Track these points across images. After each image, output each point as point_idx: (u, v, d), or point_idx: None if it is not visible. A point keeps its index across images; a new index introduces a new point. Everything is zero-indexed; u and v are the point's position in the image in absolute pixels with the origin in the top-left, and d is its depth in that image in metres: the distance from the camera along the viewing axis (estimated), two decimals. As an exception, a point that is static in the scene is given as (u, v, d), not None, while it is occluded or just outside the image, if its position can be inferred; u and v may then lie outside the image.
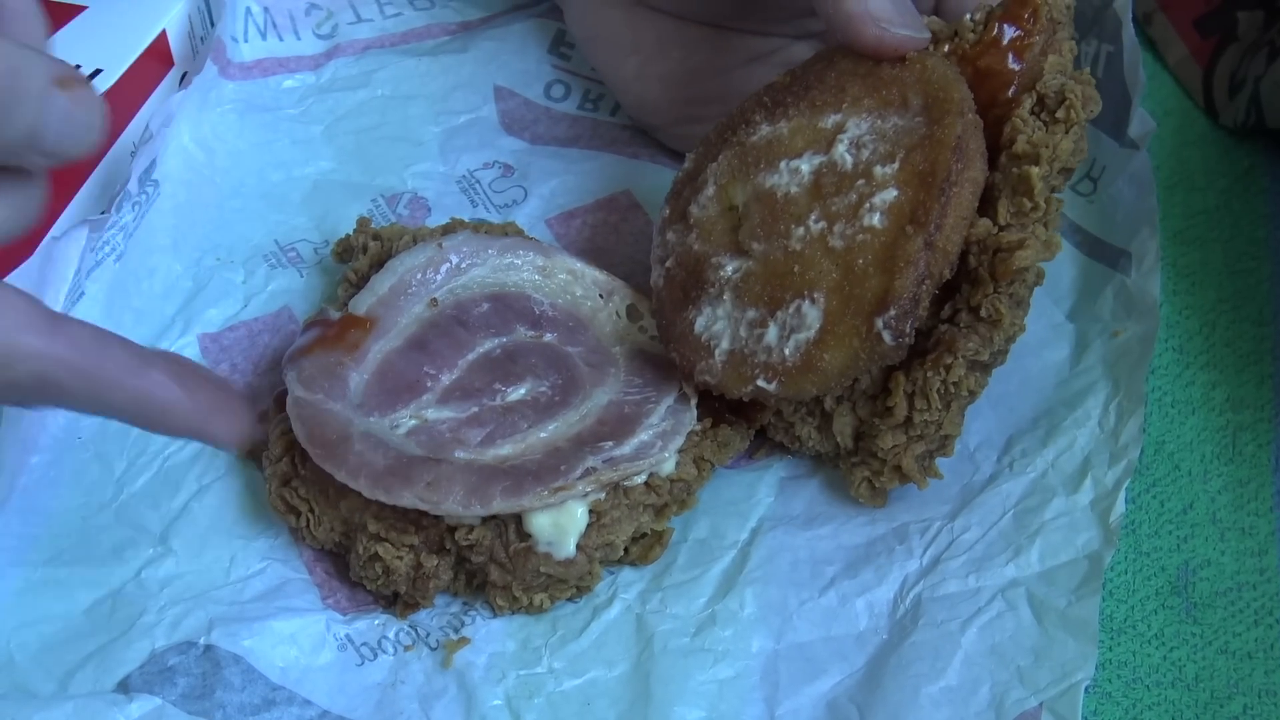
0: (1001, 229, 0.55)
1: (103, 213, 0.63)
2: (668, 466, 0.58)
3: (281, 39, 0.75)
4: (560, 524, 0.55)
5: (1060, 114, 0.55)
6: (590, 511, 0.56)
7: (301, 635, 0.56)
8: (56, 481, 0.60)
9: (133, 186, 0.64)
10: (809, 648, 0.56)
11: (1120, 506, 0.57)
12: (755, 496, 0.61)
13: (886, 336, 0.53)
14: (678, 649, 0.56)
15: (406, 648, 0.57)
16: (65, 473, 0.60)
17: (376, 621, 0.57)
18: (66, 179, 0.66)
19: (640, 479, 0.57)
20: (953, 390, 0.55)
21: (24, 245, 0.63)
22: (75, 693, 0.54)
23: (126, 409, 0.48)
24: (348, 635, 0.57)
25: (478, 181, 0.72)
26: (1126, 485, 0.58)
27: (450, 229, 0.65)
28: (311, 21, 0.76)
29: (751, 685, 0.55)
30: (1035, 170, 0.54)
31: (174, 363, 0.49)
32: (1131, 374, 0.61)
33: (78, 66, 0.67)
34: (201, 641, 0.55)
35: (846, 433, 0.59)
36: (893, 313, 0.53)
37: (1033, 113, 0.55)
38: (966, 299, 0.55)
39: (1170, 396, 0.64)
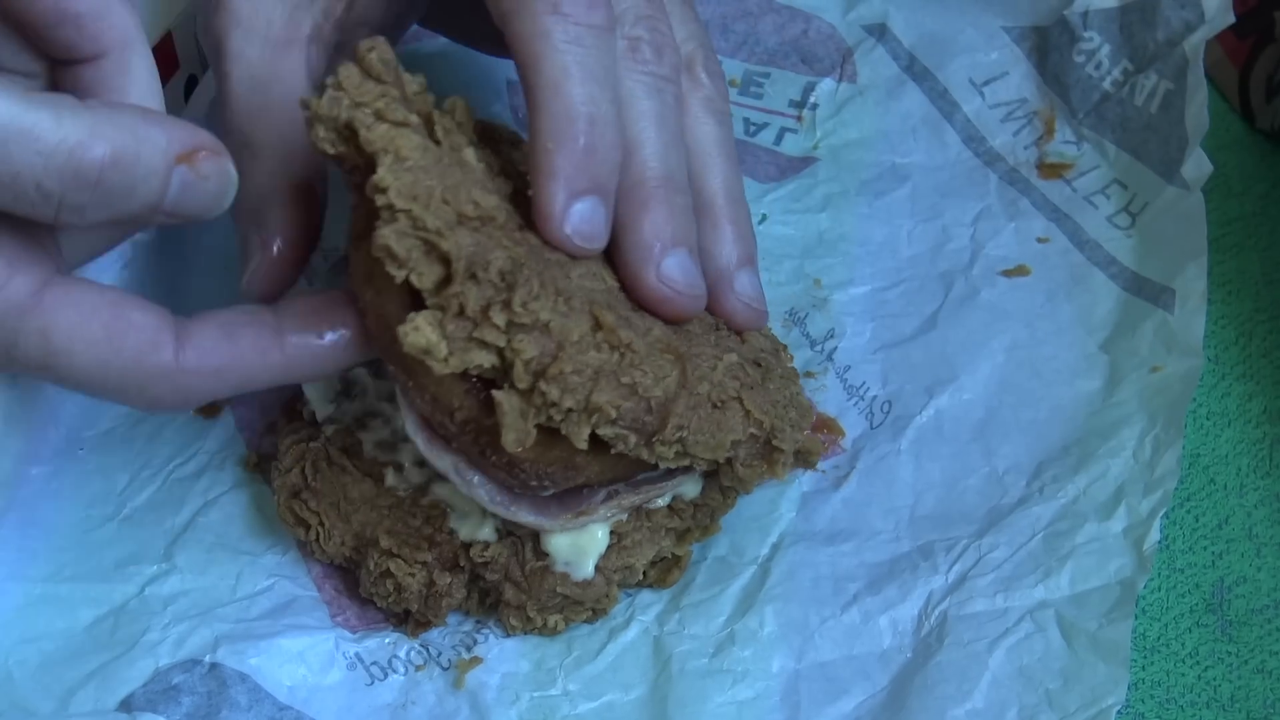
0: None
1: (107, 217, 0.62)
2: (692, 490, 0.56)
3: (291, 38, 0.74)
4: (580, 544, 0.54)
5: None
6: (611, 533, 0.55)
7: (310, 654, 0.55)
8: (58, 494, 0.59)
9: (138, 190, 0.63)
10: (831, 667, 0.55)
11: (1155, 535, 0.56)
12: (776, 512, 0.60)
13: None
14: (696, 670, 0.55)
15: (418, 667, 0.56)
16: (66, 485, 0.60)
17: (387, 640, 0.56)
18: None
19: (663, 501, 0.56)
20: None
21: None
22: (76, 712, 0.53)
23: (276, 380, 0.49)
24: (357, 654, 0.56)
25: (491, 185, 0.70)
26: (1162, 514, 0.57)
27: (463, 234, 0.63)
28: (322, 20, 0.75)
29: (772, 706, 0.54)
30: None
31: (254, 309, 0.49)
32: (1171, 409, 0.60)
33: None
34: (207, 659, 0.55)
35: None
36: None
37: None
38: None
39: (1205, 408, 0.63)
